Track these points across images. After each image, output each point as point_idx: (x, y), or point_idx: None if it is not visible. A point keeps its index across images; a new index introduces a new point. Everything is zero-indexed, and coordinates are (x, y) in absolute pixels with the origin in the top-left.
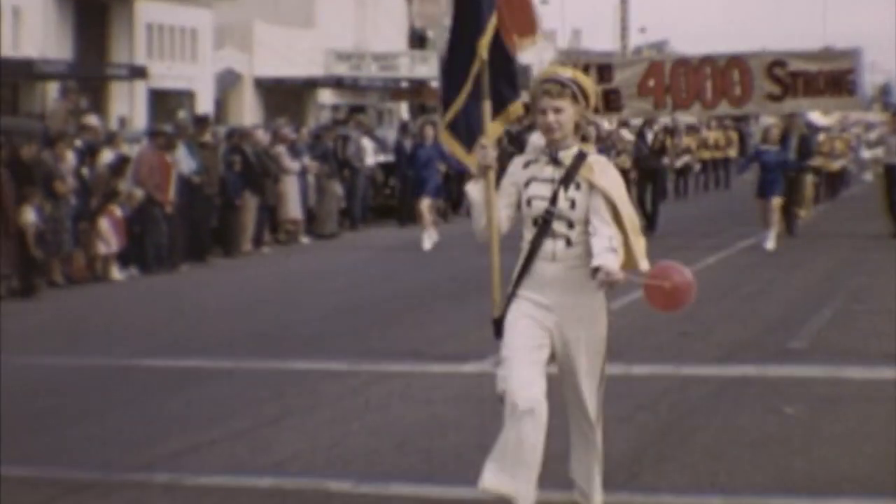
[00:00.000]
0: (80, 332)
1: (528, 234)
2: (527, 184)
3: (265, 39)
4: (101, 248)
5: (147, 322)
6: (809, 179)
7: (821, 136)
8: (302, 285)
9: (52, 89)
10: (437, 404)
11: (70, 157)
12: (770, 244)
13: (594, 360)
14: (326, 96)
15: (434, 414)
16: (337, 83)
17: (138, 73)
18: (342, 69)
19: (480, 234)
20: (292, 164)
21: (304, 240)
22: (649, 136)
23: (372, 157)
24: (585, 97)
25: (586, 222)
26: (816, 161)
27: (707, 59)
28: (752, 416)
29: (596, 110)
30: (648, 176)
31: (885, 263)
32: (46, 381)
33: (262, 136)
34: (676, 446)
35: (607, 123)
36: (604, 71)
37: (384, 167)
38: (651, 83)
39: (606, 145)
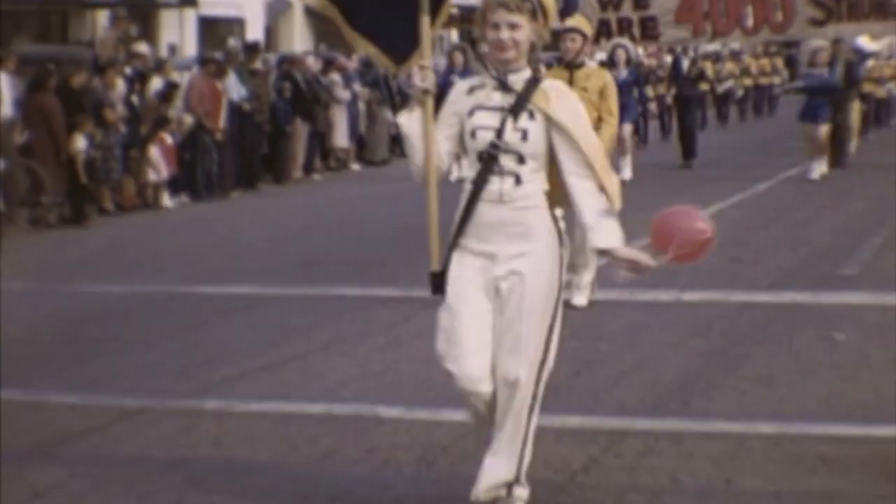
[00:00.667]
0: (131, 260)
1: (472, 171)
2: (471, 112)
3: None
4: (152, 176)
5: (197, 249)
6: (857, 107)
7: (870, 63)
8: (352, 212)
9: (102, 17)
10: None
11: (120, 85)
12: (815, 174)
13: (540, 323)
14: None
15: None
16: None
17: (188, 1)
18: None
19: (417, 173)
20: (344, 94)
21: (355, 167)
22: (685, 64)
23: None
24: (545, 15)
25: (549, 160)
26: (865, 88)
27: None
28: (803, 342)
29: (632, 38)
30: (684, 104)
31: None
32: (97, 309)
33: (313, 63)
34: (727, 373)
35: (642, 50)
36: None
37: None
38: (689, 9)
39: (641, 72)
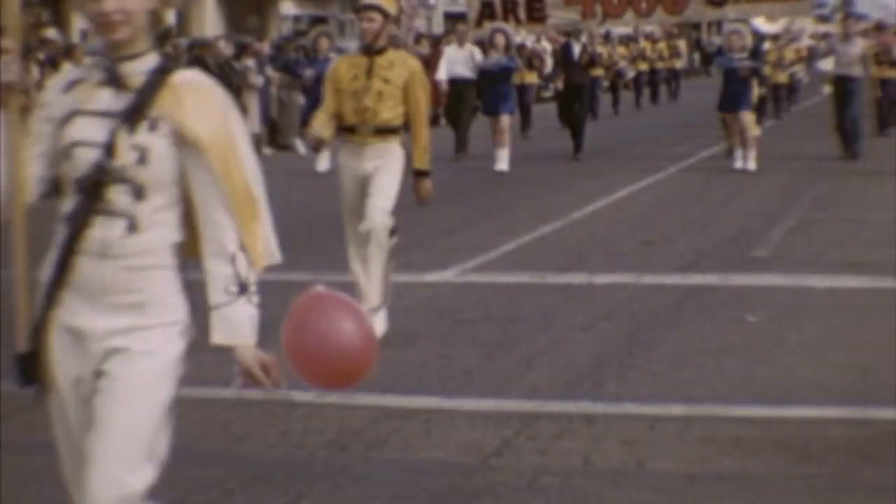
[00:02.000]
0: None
1: (69, 207)
2: (67, 119)
3: None
4: None
5: None
6: (755, 93)
7: (766, 45)
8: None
9: (13, 2)
10: (398, 315)
11: (33, 71)
12: (741, 163)
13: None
14: (289, 7)
15: (396, 324)
16: None
17: None
18: None
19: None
20: (258, 79)
21: (267, 151)
22: (576, 49)
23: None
24: None
25: (177, 190)
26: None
27: None
28: (715, 324)
29: (517, 20)
30: (575, 92)
31: (834, 189)
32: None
33: (225, 48)
34: (639, 355)
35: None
36: None
37: None
38: None
39: (523, 56)
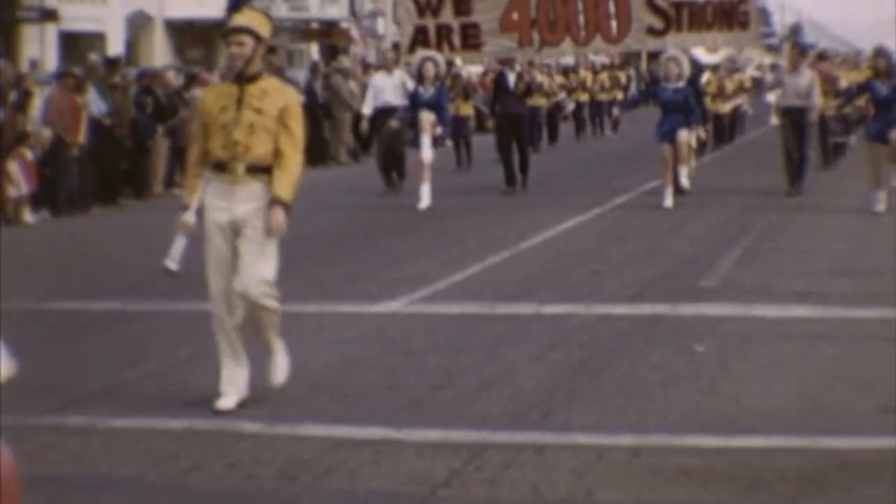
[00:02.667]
0: None
1: None
2: None
3: None
4: (12, 192)
5: (60, 265)
6: (695, 132)
7: (705, 76)
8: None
9: None
10: (347, 345)
11: None
12: (684, 181)
13: None
14: None
15: (345, 354)
16: None
17: (49, 15)
18: None
19: None
20: None
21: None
22: (511, 78)
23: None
24: None
25: None
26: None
27: None
28: (664, 354)
29: (451, 47)
30: (510, 124)
31: (782, 219)
32: None
33: (174, 78)
34: (588, 385)
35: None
36: (461, 2)
37: None
38: (515, 16)
39: (458, 85)
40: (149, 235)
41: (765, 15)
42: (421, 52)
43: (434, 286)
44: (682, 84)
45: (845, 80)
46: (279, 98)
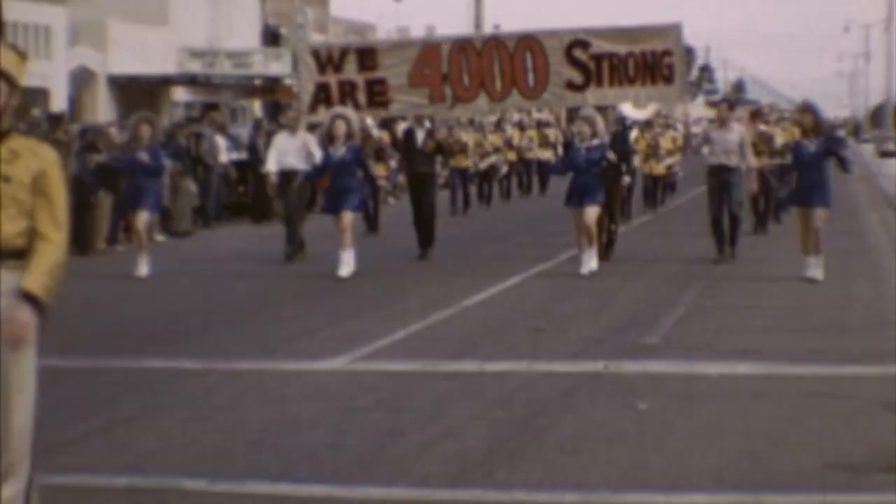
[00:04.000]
0: None
1: None
2: None
3: (119, 37)
4: None
5: None
6: (625, 183)
7: (633, 133)
8: (156, 284)
9: None
10: (290, 402)
11: None
12: (586, 267)
13: None
14: (180, 94)
15: (287, 412)
16: (190, 81)
17: None
18: (196, 67)
19: None
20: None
21: (159, 238)
22: (420, 136)
23: (225, 154)
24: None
25: None
26: (638, 162)
27: (494, 40)
28: (607, 411)
29: (356, 105)
30: (420, 184)
31: (724, 275)
32: None
33: (117, 134)
34: (530, 443)
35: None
36: (365, 56)
37: (238, 165)
38: (426, 71)
39: (368, 146)
40: (89, 292)
41: (708, 71)
42: (332, 110)
43: (378, 343)
44: (596, 142)
45: (781, 137)
46: (34, 161)
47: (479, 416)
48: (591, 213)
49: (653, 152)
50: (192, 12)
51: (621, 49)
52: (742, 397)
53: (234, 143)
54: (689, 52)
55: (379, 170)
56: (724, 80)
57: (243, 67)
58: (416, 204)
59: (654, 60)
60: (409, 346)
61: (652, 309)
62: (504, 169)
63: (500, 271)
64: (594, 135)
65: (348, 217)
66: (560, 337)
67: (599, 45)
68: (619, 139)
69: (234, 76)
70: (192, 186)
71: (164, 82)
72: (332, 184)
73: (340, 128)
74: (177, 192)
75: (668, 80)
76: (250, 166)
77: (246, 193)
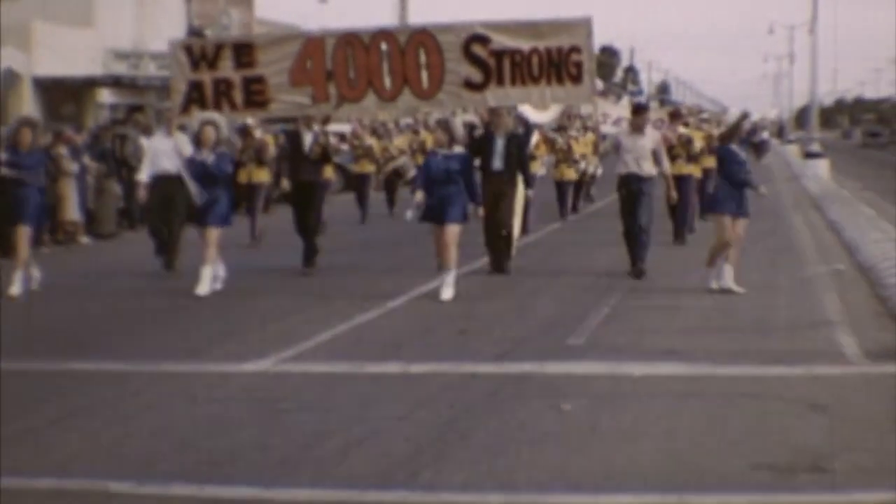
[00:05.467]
0: None
1: None
2: None
3: (44, 39)
4: None
5: None
6: (522, 194)
7: (534, 137)
8: (81, 286)
9: None
10: (216, 404)
11: None
12: (446, 293)
13: None
14: (105, 95)
15: (214, 414)
16: (115, 82)
17: None
18: (121, 68)
19: None
20: (72, 167)
21: (84, 240)
22: (308, 140)
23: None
24: None
25: None
26: (537, 168)
27: (383, 35)
28: (531, 412)
29: (232, 105)
30: (304, 193)
31: (648, 276)
32: None
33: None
34: (455, 444)
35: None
36: (242, 52)
37: None
38: (308, 65)
39: (250, 149)
40: (16, 294)
41: (633, 73)
42: (199, 115)
43: (303, 345)
44: (456, 151)
45: (699, 141)
46: None
47: (404, 417)
48: (453, 231)
49: (564, 157)
50: (118, 14)
51: (524, 45)
52: (666, 398)
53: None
54: (613, 54)
55: (260, 175)
56: (648, 81)
57: (168, 69)
58: (300, 214)
59: (560, 58)
60: (334, 347)
61: (577, 310)
62: (412, 171)
63: (423, 273)
64: (452, 142)
65: (214, 234)
66: (485, 338)
67: (500, 41)
68: (515, 144)
69: (159, 78)
70: (116, 188)
71: (90, 84)
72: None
73: (209, 135)
74: (101, 194)
75: (576, 79)
76: None
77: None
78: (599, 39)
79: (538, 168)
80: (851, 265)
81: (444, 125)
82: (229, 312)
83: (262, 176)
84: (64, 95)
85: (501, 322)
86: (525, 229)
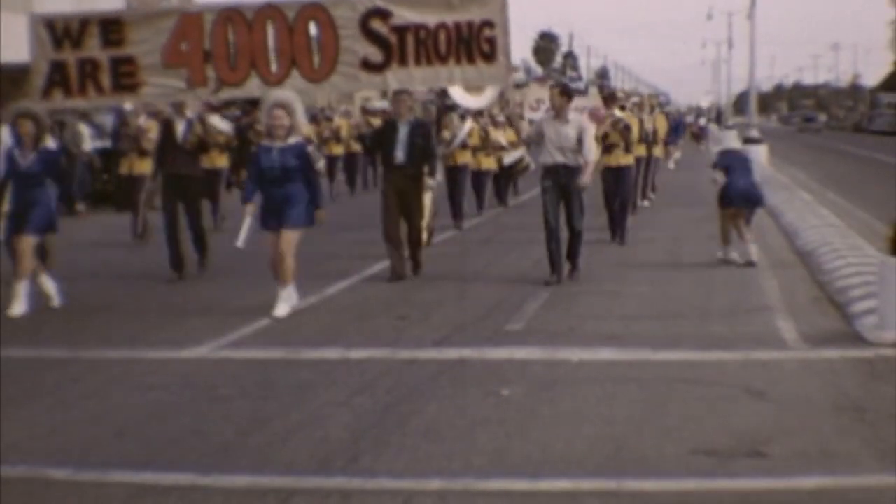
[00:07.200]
0: None
1: None
2: None
3: (6, 26)
4: None
5: None
6: (429, 189)
7: (467, 125)
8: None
9: None
10: (155, 390)
11: None
12: (281, 308)
13: None
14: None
15: (152, 400)
16: None
17: None
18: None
19: None
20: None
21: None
22: (181, 128)
23: (90, 142)
24: None
25: None
26: (457, 157)
27: (270, 8)
28: (470, 398)
29: (99, 89)
30: (177, 188)
31: (587, 262)
32: None
33: None
34: (394, 430)
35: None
36: (110, 29)
37: (102, 153)
38: (183, 47)
39: (128, 137)
40: None
41: (571, 58)
42: (57, 99)
43: (241, 331)
44: (293, 141)
45: (638, 128)
46: None
47: (342, 403)
48: (290, 237)
49: (482, 145)
50: None
51: (430, 20)
52: (605, 383)
53: (98, 131)
54: (552, 39)
55: (141, 166)
56: (587, 67)
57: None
58: (172, 213)
59: (470, 33)
60: (272, 334)
61: (516, 295)
62: (321, 162)
63: (361, 261)
64: (291, 130)
65: (28, 242)
66: (423, 324)
67: (403, 16)
68: (420, 133)
69: None
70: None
71: (28, 70)
72: (17, 199)
73: (26, 128)
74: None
75: (489, 57)
76: (114, 154)
77: (110, 181)
78: (538, 24)
79: (468, 158)
80: (791, 251)
81: (282, 106)
82: (167, 299)
83: (144, 167)
84: (2, 83)
85: (440, 307)
86: (429, 241)
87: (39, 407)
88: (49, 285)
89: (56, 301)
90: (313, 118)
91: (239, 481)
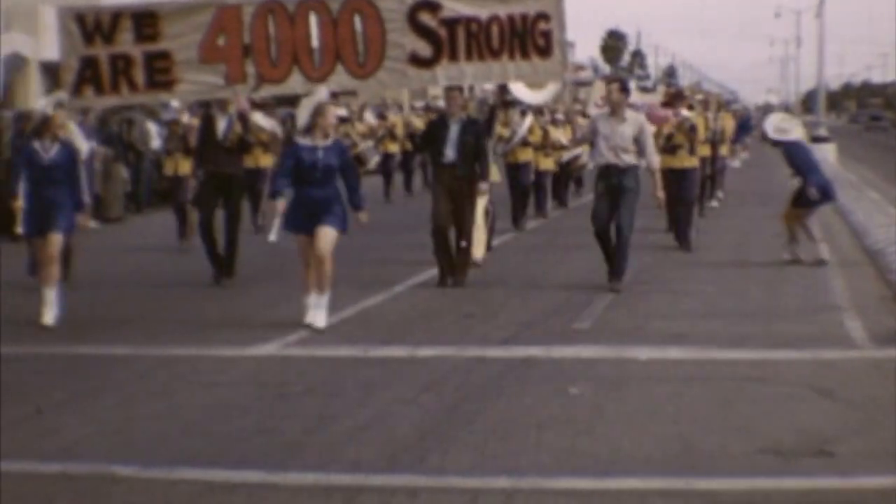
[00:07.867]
0: None
1: None
2: None
3: (52, 22)
4: None
5: None
6: (483, 193)
7: (527, 121)
8: (89, 270)
9: None
10: (221, 388)
11: None
12: (315, 318)
13: None
14: None
15: (219, 398)
16: None
17: None
18: None
19: None
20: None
21: (91, 224)
22: (222, 125)
23: (157, 140)
24: None
25: None
26: (518, 155)
27: (311, 1)
28: (537, 396)
29: (132, 86)
30: (217, 188)
31: (655, 261)
32: None
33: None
34: (462, 428)
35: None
36: (144, 23)
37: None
38: (221, 41)
39: (174, 139)
40: (21, 279)
41: (639, 57)
42: (43, 100)
43: (308, 329)
44: (333, 140)
45: (704, 127)
46: None
47: (410, 401)
48: (328, 238)
49: (541, 143)
50: None
51: (482, 12)
52: (673, 382)
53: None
54: (620, 38)
55: (186, 166)
56: (655, 65)
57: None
58: (208, 211)
59: (524, 27)
60: (340, 331)
61: (583, 294)
62: (376, 159)
63: (427, 262)
64: (328, 131)
65: (56, 240)
66: (491, 322)
67: (453, 8)
68: (472, 131)
69: None
70: (123, 172)
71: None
72: (38, 195)
73: (58, 119)
74: (109, 178)
75: (545, 52)
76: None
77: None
78: (606, 23)
79: (529, 156)
80: (859, 249)
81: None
82: (234, 298)
83: (186, 167)
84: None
85: (507, 305)
86: (489, 245)
87: (106, 403)
88: (51, 296)
89: (48, 318)
90: (380, 115)
91: (306, 479)
